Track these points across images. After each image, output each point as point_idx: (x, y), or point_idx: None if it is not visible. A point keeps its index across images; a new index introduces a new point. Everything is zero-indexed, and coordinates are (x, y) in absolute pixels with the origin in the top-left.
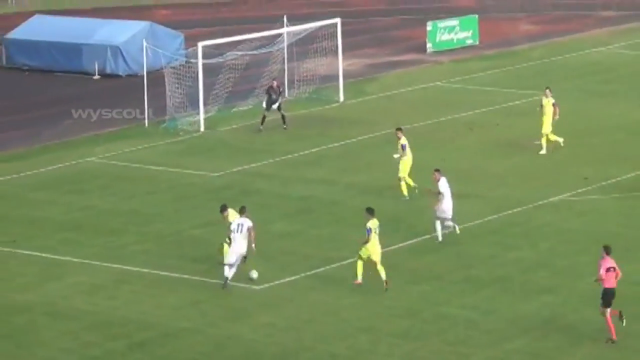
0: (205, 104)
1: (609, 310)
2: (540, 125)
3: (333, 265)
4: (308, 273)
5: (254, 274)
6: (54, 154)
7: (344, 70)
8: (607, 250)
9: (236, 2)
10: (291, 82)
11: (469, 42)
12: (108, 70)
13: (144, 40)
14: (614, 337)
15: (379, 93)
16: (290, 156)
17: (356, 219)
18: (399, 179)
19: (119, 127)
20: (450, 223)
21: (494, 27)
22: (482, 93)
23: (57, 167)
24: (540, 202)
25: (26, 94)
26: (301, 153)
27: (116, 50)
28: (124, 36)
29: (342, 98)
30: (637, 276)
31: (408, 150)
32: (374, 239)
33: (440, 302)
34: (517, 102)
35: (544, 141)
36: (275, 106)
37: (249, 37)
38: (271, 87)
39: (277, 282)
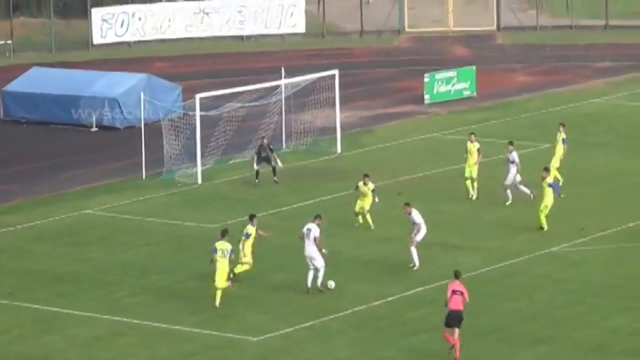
0: (202, 156)
1: (457, 331)
2: (464, 170)
3: (331, 317)
4: (306, 324)
5: (332, 284)
6: (51, 206)
7: (341, 121)
8: (456, 274)
9: (234, 54)
10: (288, 134)
11: (467, 93)
12: (105, 123)
13: (141, 92)
14: (457, 356)
15: (376, 145)
16: (287, 208)
17: (354, 269)
18: (358, 213)
19: (116, 179)
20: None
21: (491, 79)
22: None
23: (54, 219)
24: (537, 253)
25: (24, 146)
26: (298, 204)
27: (113, 103)
28: (121, 88)
29: (339, 150)
30: (632, 327)
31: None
32: (222, 262)
33: (438, 353)
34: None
35: (468, 184)
36: (267, 163)
37: (247, 88)
38: (261, 145)
39: (274, 334)
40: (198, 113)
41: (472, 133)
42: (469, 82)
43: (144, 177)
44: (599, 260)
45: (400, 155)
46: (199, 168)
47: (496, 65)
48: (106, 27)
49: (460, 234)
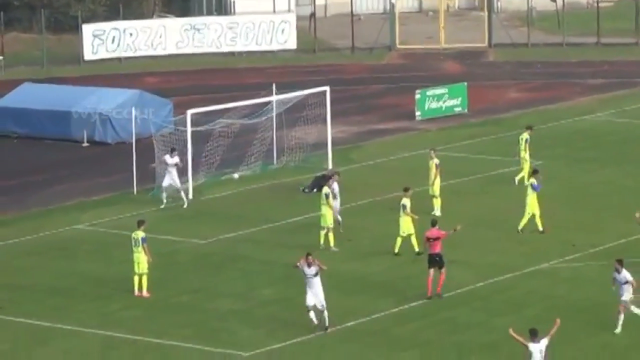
0: (193, 172)
1: (432, 271)
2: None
3: (319, 332)
4: (296, 340)
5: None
6: (42, 220)
7: (332, 137)
8: (432, 222)
9: (225, 69)
10: (280, 150)
11: (458, 110)
12: (97, 138)
13: (132, 108)
14: (430, 293)
15: (367, 161)
16: (277, 223)
17: (343, 284)
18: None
19: (107, 194)
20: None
21: (483, 95)
22: (470, 161)
23: (45, 233)
24: (527, 269)
25: (15, 161)
26: (288, 220)
27: (105, 118)
28: (113, 104)
29: (330, 166)
30: (623, 343)
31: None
32: (135, 251)
33: None
34: (504, 170)
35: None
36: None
37: (238, 104)
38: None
39: (265, 349)
40: (189, 129)
41: (432, 149)
42: (460, 99)
43: (135, 193)
44: (589, 277)
45: (390, 171)
46: (190, 183)
47: (488, 81)
48: (97, 42)
49: (453, 249)
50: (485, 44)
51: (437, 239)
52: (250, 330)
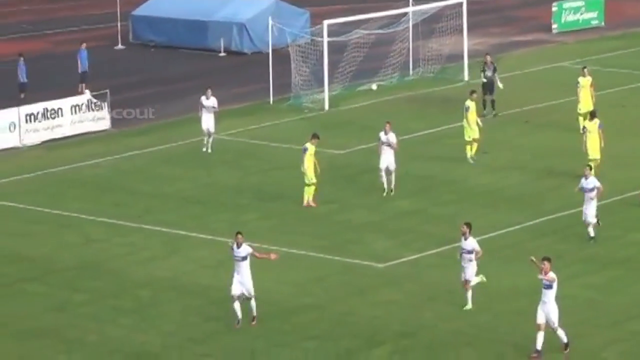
0: (330, 82)
1: None
2: (577, 103)
3: (454, 244)
4: (430, 251)
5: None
6: (180, 129)
7: (469, 49)
8: None
9: None
10: (416, 61)
11: (595, 22)
12: (233, 48)
13: (269, 17)
14: None
15: (504, 73)
16: (413, 135)
17: (478, 198)
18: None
19: (243, 104)
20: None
21: (620, 8)
22: (607, 74)
23: (183, 142)
24: None
25: (152, 70)
26: (424, 132)
27: (241, 28)
28: (250, 13)
29: (467, 77)
30: None
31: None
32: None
33: (561, 282)
34: None
35: (581, 120)
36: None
37: (375, 15)
38: (485, 62)
39: (399, 260)
40: (326, 39)
41: (584, 67)
42: (597, 12)
43: (271, 102)
44: None
45: (527, 83)
46: (326, 94)
47: None
48: None
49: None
50: None
51: None
52: (385, 241)
